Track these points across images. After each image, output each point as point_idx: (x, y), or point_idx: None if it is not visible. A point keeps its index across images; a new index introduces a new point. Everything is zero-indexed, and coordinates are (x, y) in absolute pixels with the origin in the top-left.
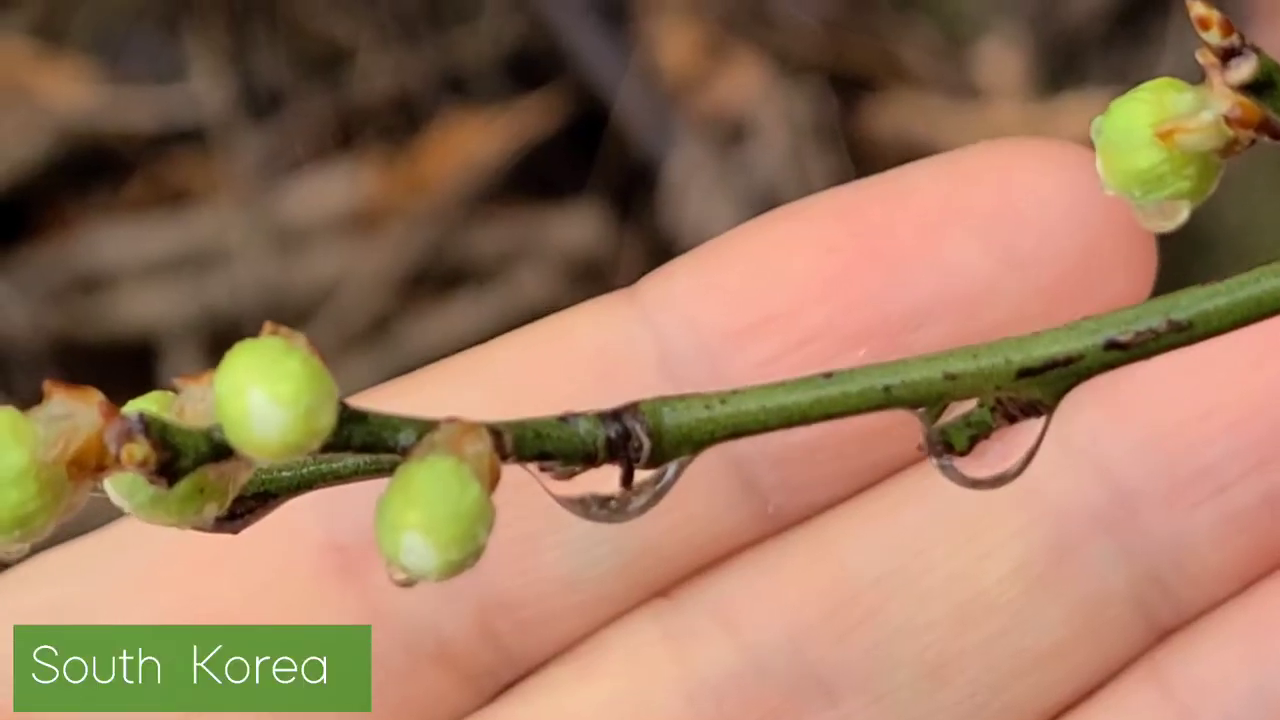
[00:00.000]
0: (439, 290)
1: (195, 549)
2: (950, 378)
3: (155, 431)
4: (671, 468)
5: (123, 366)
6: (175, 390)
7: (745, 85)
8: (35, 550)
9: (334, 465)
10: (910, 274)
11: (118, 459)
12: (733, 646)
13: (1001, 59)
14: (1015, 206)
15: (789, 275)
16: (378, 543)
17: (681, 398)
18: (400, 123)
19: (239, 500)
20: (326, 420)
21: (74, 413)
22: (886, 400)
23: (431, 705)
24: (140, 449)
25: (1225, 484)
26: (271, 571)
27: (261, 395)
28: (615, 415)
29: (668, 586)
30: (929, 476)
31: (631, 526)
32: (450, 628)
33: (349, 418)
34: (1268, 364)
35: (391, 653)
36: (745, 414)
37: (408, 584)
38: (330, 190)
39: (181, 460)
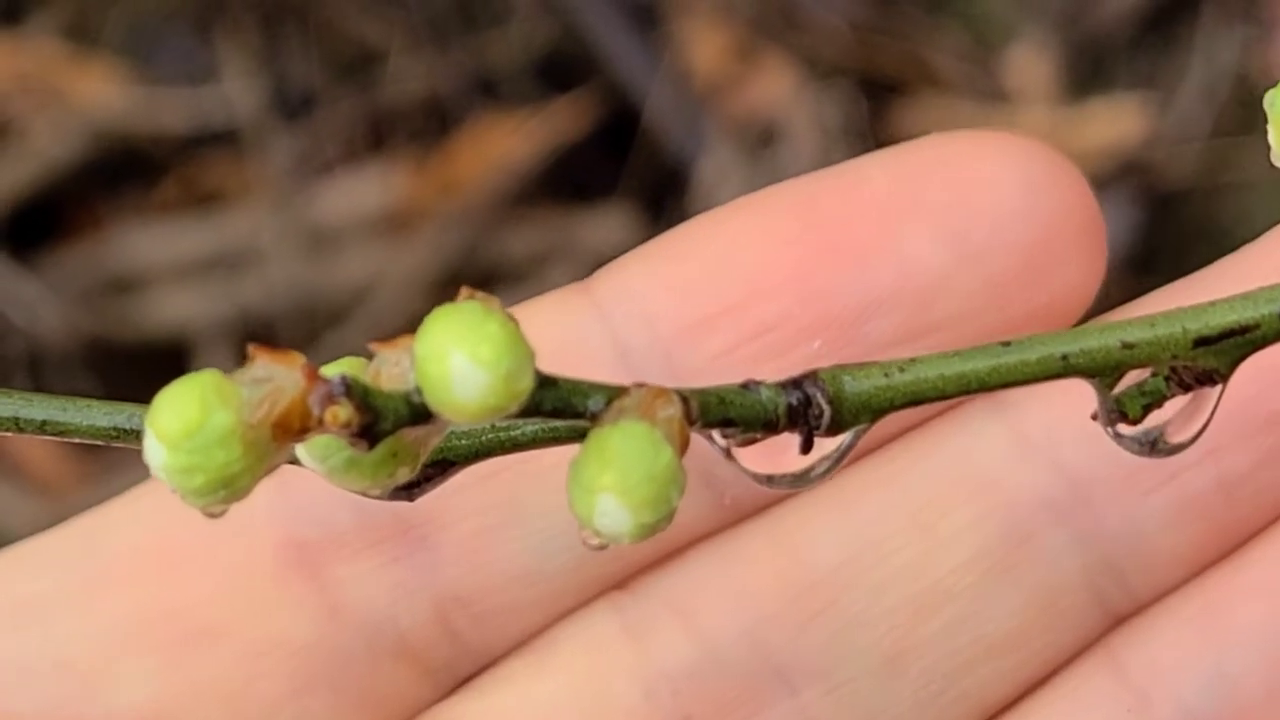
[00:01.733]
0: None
1: (157, 546)
2: (1127, 347)
3: (357, 394)
4: (849, 435)
5: (155, 367)
6: (370, 355)
7: (775, 88)
8: None
9: (512, 433)
10: (865, 265)
11: (320, 421)
12: (690, 638)
13: (1030, 63)
14: (968, 198)
15: (744, 268)
16: (571, 506)
17: (860, 366)
18: (432, 125)
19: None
20: (525, 383)
21: (276, 376)
22: (1064, 369)
23: (392, 699)
24: (344, 411)
25: (1177, 471)
26: (233, 567)
27: (463, 358)
28: (796, 383)
29: (625, 579)
30: (884, 467)
31: None
32: (408, 622)
33: (541, 383)
34: None
35: (352, 647)
36: (924, 382)
37: (600, 547)
38: (363, 192)
39: (381, 423)
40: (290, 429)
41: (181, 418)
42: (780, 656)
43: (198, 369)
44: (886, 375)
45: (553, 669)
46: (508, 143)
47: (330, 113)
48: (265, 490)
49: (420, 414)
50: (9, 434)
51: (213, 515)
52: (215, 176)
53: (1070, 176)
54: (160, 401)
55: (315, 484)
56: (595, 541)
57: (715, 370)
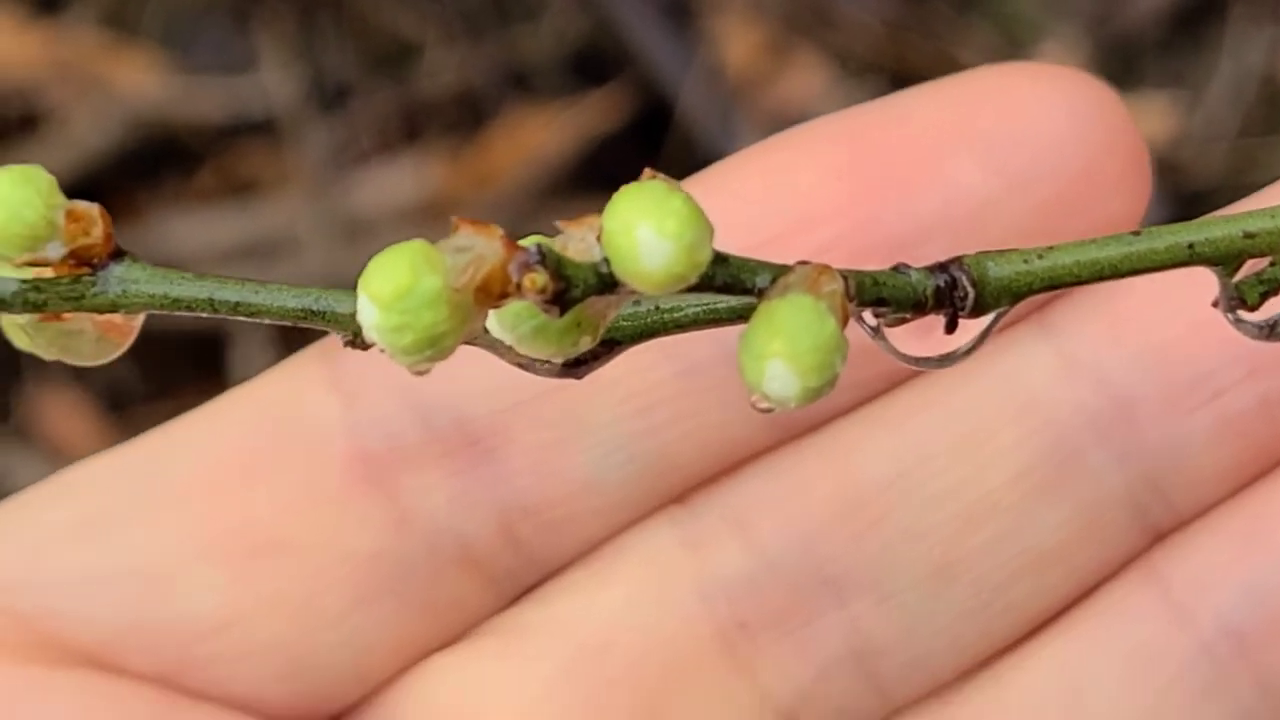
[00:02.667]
0: None
1: (225, 461)
2: (1249, 236)
3: (551, 263)
4: (991, 316)
5: (192, 354)
6: (558, 231)
7: (807, 84)
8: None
9: (674, 314)
10: (913, 193)
11: (518, 287)
12: (745, 550)
13: (1059, 62)
14: (1015, 128)
15: (793, 196)
16: (741, 373)
17: (1001, 252)
18: (466, 117)
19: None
20: (705, 254)
21: (477, 245)
22: (1190, 257)
23: (456, 607)
24: (540, 278)
25: (1219, 390)
26: (301, 480)
27: (649, 230)
28: (943, 267)
29: (683, 493)
30: (934, 387)
31: (648, 434)
32: (473, 532)
33: (714, 259)
34: None
35: (417, 556)
36: (1060, 268)
37: (768, 410)
38: (397, 183)
39: (572, 290)
40: (491, 293)
41: (393, 281)
42: (832, 568)
43: (233, 357)
44: (1025, 261)
45: (614, 578)
46: (541, 136)
47: (365, 104)
48: (333, 404)
49: (607, 284)
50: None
51: (419, 373)
52: (252, 166)
53: (1114, 106)
54: (373, 267)
55: (382, 398)
56: (764, 405)
57: None
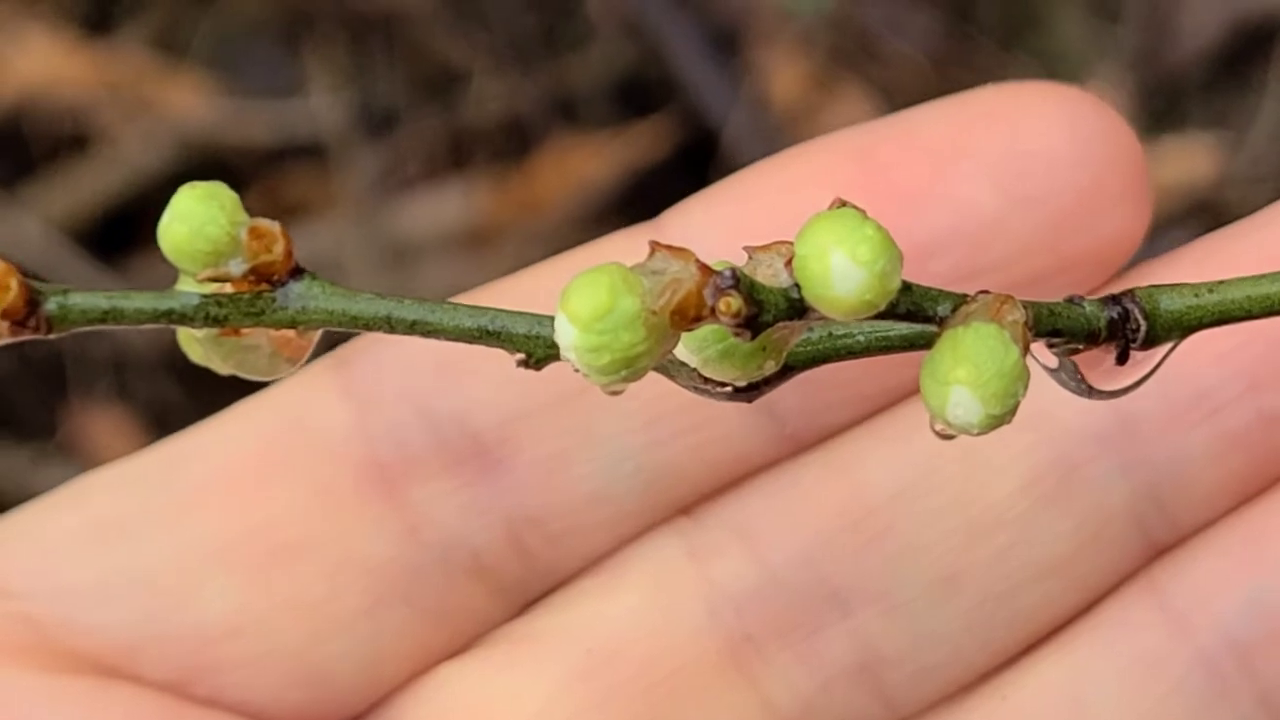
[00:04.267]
0: None
1: (240, 468)
2: None
3: (745, 287)
4: (1163, 350)
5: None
6: (749, 255)
7: (852, 117)
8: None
9: (848, 340)
10: (920, 208)
11: (712, 310)
12: (752, 561)
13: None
14: (1021, 145)
15: (802, 209)
16: (924, 399)
17: (1172, 286)
18: (512, 145)
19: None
20: (895, 282)
21: (672, 268)
22: None
23: (465, 615)
24: (735, 301)
25: (1219, 405)
26: (315, 488)
27: (843, 256)
28: (1116, 299)
29: (690, 505)
30: None
31: (655, 447)
32: (482, 541)
33: (900, 287)
34: None
35: (427, 564)
36: (1231, 302)
37: (948, 436)
38: (443, 209)
39: (764, 314)
40: (686, 316)
41: (592, 302)
42: (838, 579)
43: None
44: (1196, 295)
45: (621, 589)
46: (587, 164)
47: (413, 130)
48: (345, 412)
49: (797, 309)
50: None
51: (613, 393)
52: (299, 189)
53: (1118, 126)
54: (573, 287)
55: (393, 407)
56: (945, 431)
57: None
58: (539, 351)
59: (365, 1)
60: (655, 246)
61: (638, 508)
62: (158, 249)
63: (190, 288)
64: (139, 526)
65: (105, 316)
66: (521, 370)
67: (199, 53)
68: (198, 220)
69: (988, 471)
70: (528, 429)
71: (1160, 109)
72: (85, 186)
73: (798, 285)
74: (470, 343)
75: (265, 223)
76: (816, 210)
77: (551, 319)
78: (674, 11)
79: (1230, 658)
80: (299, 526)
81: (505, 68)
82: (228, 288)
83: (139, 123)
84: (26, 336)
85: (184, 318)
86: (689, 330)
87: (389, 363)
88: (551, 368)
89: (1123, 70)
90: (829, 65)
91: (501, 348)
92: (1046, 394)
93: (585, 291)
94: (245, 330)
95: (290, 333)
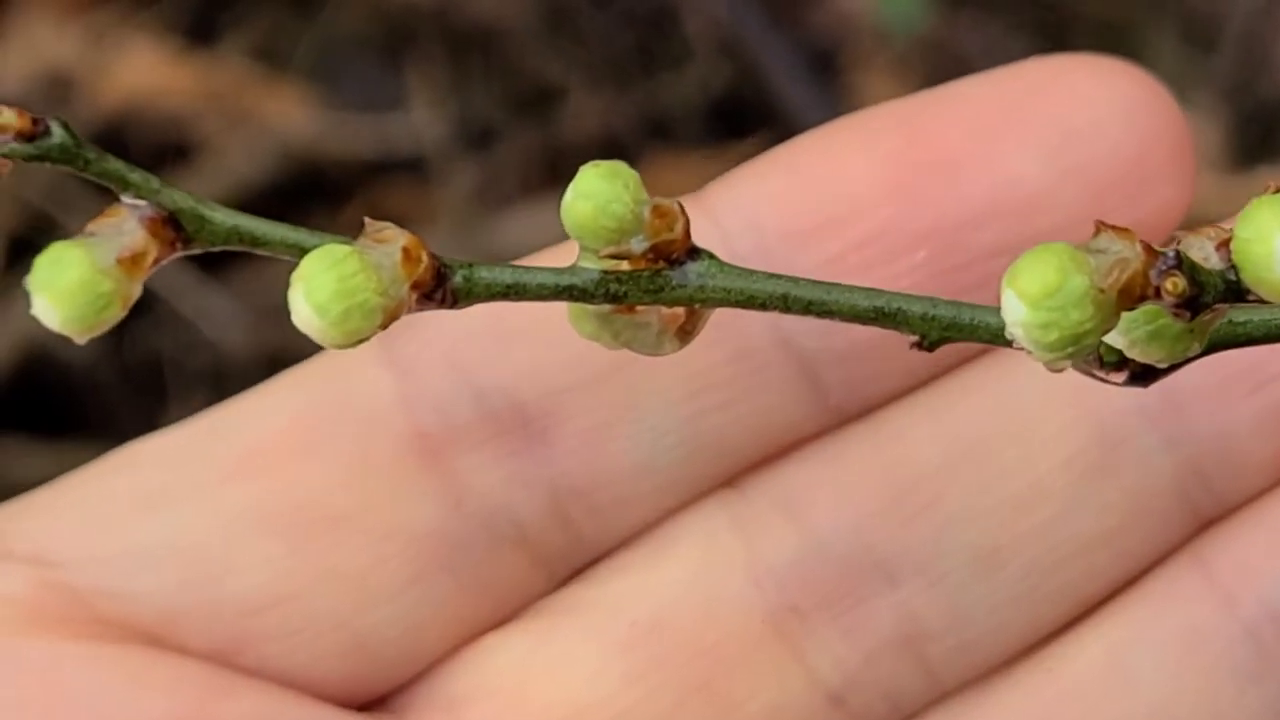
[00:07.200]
0: None
1: (284, 438)
2: None
3: (1187, 269)
4: None
5: None
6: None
7: None
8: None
9: (1245, 327)
10: (966, 179)
11: (1157, 291)
12: (796, 533)
13: (1198, 130)
14: (1066, 117)
15: (848, 181)
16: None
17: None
18: None
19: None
20: None
21: (1117, 248)
22: None
23: (508, 586)
24: (1180, 282)
25: (1265, 379)
26: (356, 457)
27: None
28: None
29: (734, 476)
30: (986, 372)
31: (700, 418)
32: (526, 512)
33: None
34: None
35: (471, 535)
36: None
37: None
38: (540, 224)
39: (1204, 296)
40: (1131, 296)
41: (1042, 279)
42: (882, 551)
43: None
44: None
45: (665, 560)
46: (682, 183)
47: (510, 146)
48: (388, 383)
49: (1234, 291)
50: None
51: (1056, 370)
52: (398, 203)
53: (1163, 98)
54: (1021, 266)
55: (437, 378)
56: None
57: (824, 277)
58: (934, 333)
59: (465, 18)
60: (1100, 226)
61: (682, 479)
62: (259, 259)
63: (591, 264)
64: (182, 495)
65: (508, 291)
66: (566, 341)
67: (301, 65)
68: (603, 198)
69: (1033, 444)
70: (572, 400)
71: (1254, 139)
72: None
73: (1234, 267)
74: (864, 324)
75: (667, 201)
76: (862, 178)
77: (948, 303)
78: (772, 33)
79: (1275, 630)
80: (343, 496)
81: (602, 85)
82: (624, 265)
83: (240, 133)
84: (432, 308)
85: (585, 294)
86: (1130, 310)
87: (433, 333)
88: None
89: (1217, 100)
90: (925, 89)
91: (896, 329)
92: None
93: (1036, 269)
94: (640, 307)
95: (680, 311)
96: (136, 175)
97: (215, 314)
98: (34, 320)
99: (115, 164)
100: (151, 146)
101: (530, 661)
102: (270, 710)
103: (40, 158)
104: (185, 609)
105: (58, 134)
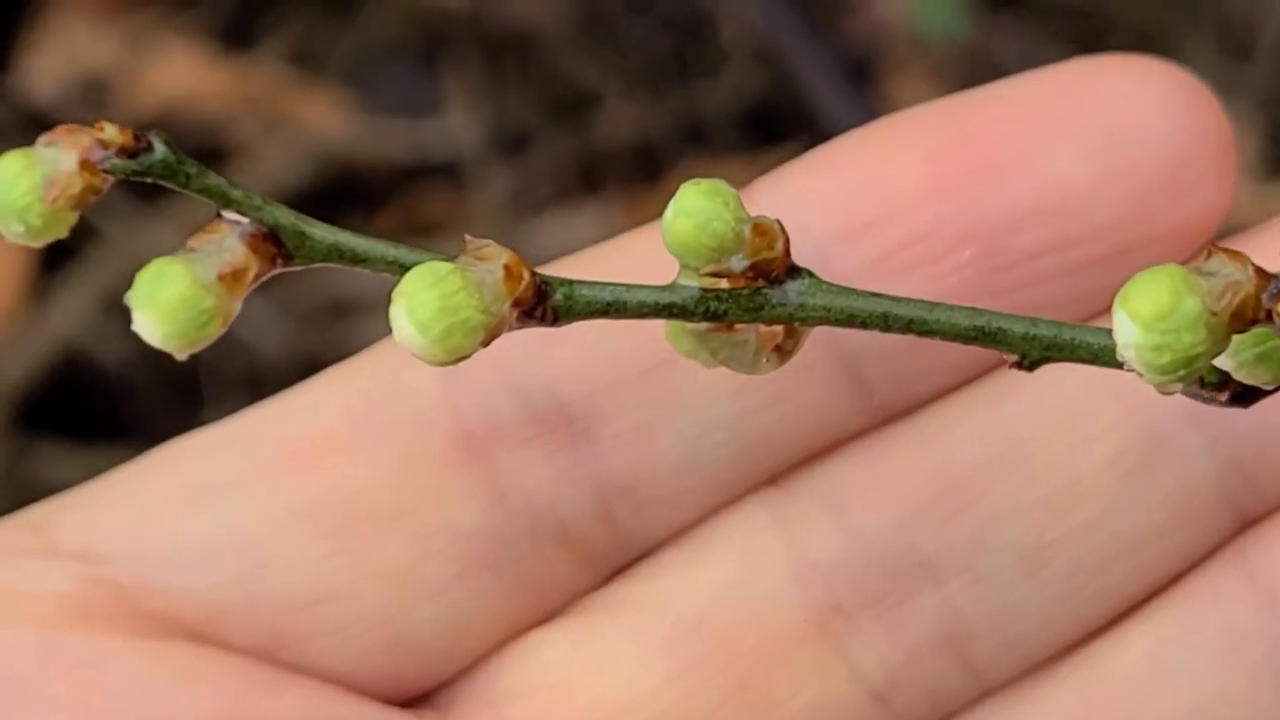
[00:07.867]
0: None
1: (330, 435)
2: None
3: None
4: None
5: None
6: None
7: None
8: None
9: None
10: (1010, 180)
11: (1269, 315)
12: (840, 531)
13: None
14: (1109, 118)
15: (893, 181)
16: None
17: None
18: (643, 169)
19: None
20: None
21: (1228, 271)
22: None
23: (551, 584)
24: None
25: None
26: (401, 455)
27: None
28: None
29: (777, 475)
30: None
31: (744, 416)
32: (570, 510)
33: None
34: None
35: (515, 533)
36: None
37: None
38: (576, 230)
39: None
40: (1243, 319)
41: (1155, 302)
42: (926, 550)
43: None
44: None
45: (708, 558)
46: None
47: (545, 152)
48: (435, 381)
49: None
50: None
51: (1167, 393)
52: (433, 208)
53: (1206, 101)
54: (1134, 287)
55: (480, 376)
56: None
57: (870, 276)
58: (1034, 353)
59: (501, 23)
60: (1212, 249)
61: (726, 477)
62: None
63: (691, 282)
64: (227, 491)
65: (608, 308)
66: (609, 339)
67: (337, 69)
68: (704, 216)
69: (1076, 443)
70: (616, 398)
71: None
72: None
73: None
74: (965, 343)
75: (768, 220)
76: (907, 178)
77: (1049, 323)
78: (807, 40)
79: None
80: (387, 493)
81: (638, 91)
82: (723, 283)
83: (277, 138)
84: (533, 326)
85: (685, 311)
86: (1241, 332)
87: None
88: (642, 336)
89: (1253, 108)
90: None
91: (997, 349)
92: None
93: (1148, 291)
94: (738, 326)
95: (778, 329)
96: (238, 192)
97: (252, 318)
98: (70, 323)
99: (217, 180)
100: (187, 150)
101: (573, 659)
102: (314, 706)
103: (143, 174)
104: (230, 605)
105: (160, 150)
